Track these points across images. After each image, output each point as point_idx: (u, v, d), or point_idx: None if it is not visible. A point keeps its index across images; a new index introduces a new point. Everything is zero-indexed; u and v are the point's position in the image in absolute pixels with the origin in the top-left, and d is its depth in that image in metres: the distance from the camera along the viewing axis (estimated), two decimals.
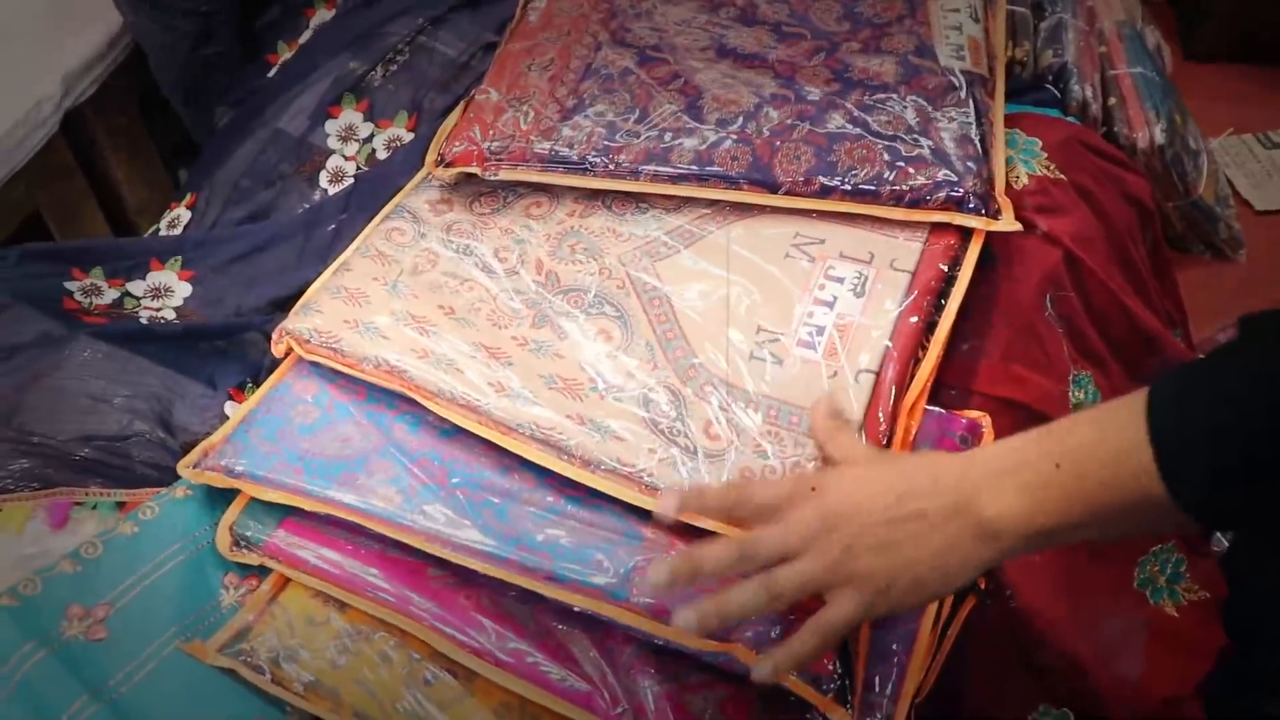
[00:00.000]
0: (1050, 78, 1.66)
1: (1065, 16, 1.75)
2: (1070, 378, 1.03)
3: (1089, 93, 1.69)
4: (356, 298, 0.96)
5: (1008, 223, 0.96)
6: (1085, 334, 1.06)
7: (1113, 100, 1.72)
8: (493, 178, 1.04)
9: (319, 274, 1.05)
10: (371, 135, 1.22)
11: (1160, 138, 1.69)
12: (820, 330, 0.91)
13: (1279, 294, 1.84)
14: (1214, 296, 1.80)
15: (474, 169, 1.04)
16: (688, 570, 0.73)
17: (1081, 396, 1.03)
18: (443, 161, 1.05)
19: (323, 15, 1.35)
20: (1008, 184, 1.02)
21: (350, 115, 1.23)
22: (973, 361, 0.97)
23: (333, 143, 1.22)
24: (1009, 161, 1.07)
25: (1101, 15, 1.83)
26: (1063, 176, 1.11)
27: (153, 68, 1.43)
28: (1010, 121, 1.11)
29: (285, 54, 1.35)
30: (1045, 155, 1.11)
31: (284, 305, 1.08)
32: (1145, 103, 1.73)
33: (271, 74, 1.34)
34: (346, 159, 1.21)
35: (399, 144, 1.21)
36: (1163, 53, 2.03)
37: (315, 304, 0.96)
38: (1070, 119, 1.26)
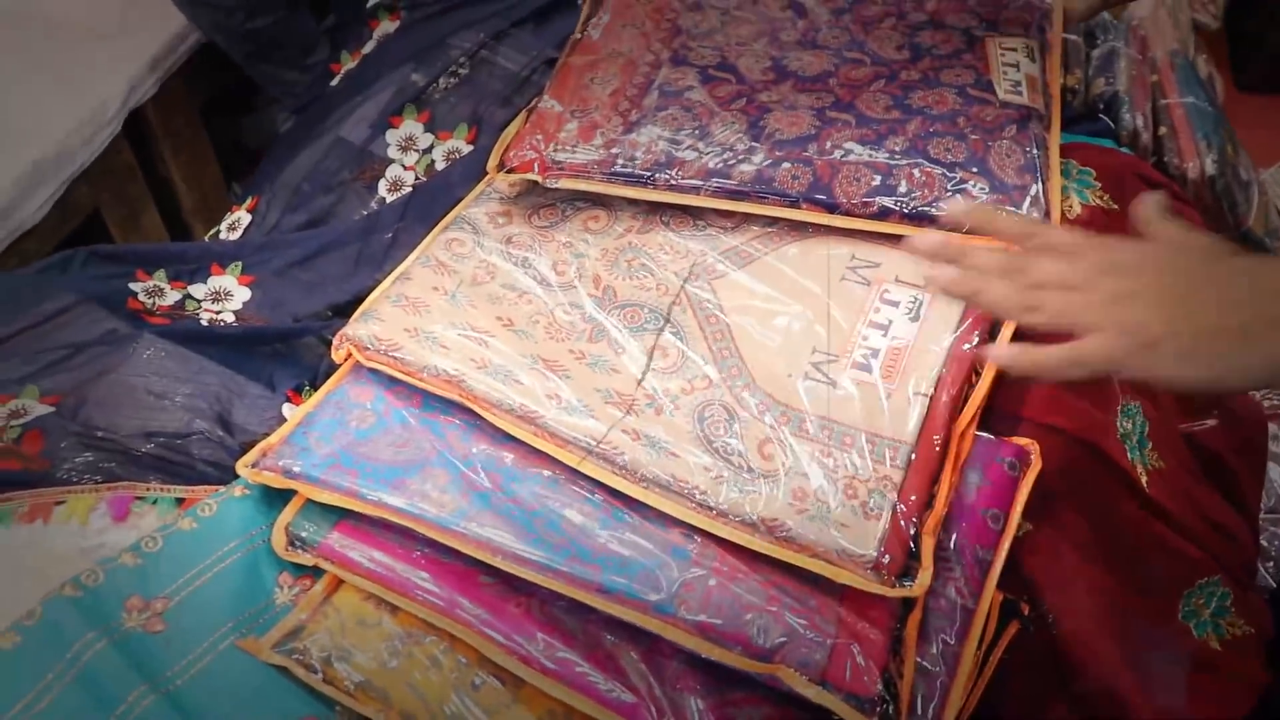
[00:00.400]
0: (1101, 106, 1.66)
1: (1117, 45, 1.75)
2: (1119, 407, 1.03)
3: (1140, 122, 1.69)
4: (417, 306, 0.97)
5: None
6: None
7: (1164, 130, 1.72)
8: (553, 185, 1.05)
9: (375, 281, 1.07)
10: (431, 146, 1.24)
11: (1211, 168, 1.68)
12: (875, 353, 0.91)
13: None
14: None
15: (535, 176, 1.05)
16: (956, 251, 0.75)
17: (1129, 426, 1.03)
18: (504, 168, 1.07)
19: (386, 27, 1.37)
20: (1061, 213, 1.02)
21: (411, 126, 1.25)
22: (1023, 388, 0.97)
23: (393, 152, 1.24)
24: (1063, 191, 1.07)
25: (1154, 44, 1.82)
26: (1115, 207, 1.11)
27: (216, 41, 1.46)
28: (1065, 151, 1.11)
29: (348, 63, 1.38)
30: (1099, 185, 1.12)
31: (341, 311, 1.11)
32: (1196, 133, 1.73)
33: (335, 82, 1.36)
34: (406, 168, 1.23)
35: (458, 155, 1.23)
36: (1214, 83, 2.02)
37: (376, 311, 0.97)
38: (1124, 149, 1.26)
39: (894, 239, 0.99)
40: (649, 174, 1.03)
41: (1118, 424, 1.02)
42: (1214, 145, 1.71)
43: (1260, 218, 1.78)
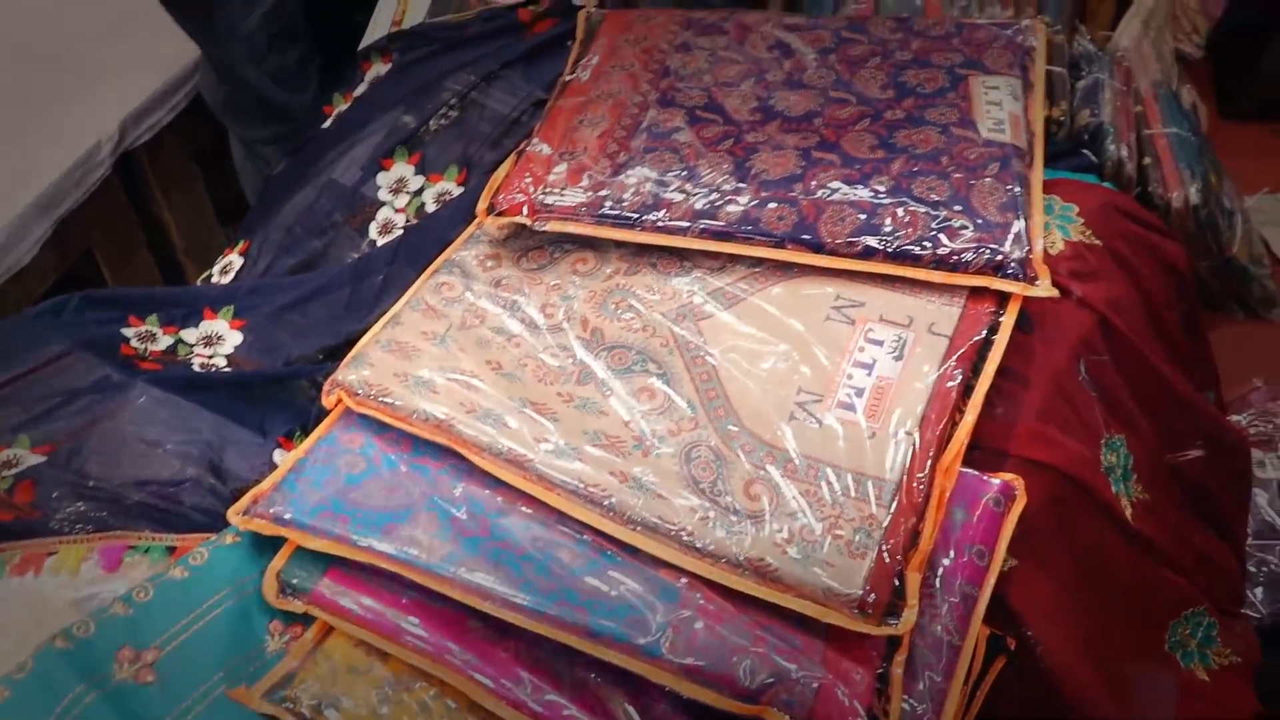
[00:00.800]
0: (1086, 137, 1.67)
1: (1102, 76, 1.76)
2: (1102, 441, 1.04)
3: (1124, 152, 1.70)
4: (406, 351, 0.98)
5: (1045, 288, 0.97)
6: (1118, 398, 1.07)
7: (1148, 160, 1.73)
8: (542, 228, 1.06)
9: (367, 324, 1.07)
10: (422, 188, 1.25)
11: (1195, 198, 1.70)
12: (859, 392, 0.92)
13: None
14: (1248, 355, 1.80)
15: (524, 219, 1.06)
16: None
17: (1114, 460, 1.04)
18: (494, 210, 1.08)
19: (379, 68, 1.39)
20: (1044, 250, 1.03)
21: (402, 168, 1.27)
22: (1007, 424, 0.98)
23: (384, 194, 1.25)
24: (1046, 228, 1.08)
25: (1138, 75, 1.84)
26: (1098, 242, 1.12)
27: (226, 82, 1.49)
28: (1048, 188, 1.12)
29: (340, 105, 1.39)
30: (1082, 221, 1.13)
31: (332, 354, 1.11)
32: (1180, 162, 1.74)
33: (327, 125, 1.37)
34: (396, 211, 1.25)
35: (448, 198, 1.24)
36: (1198, 112, 2.04)
37: (366, 356, 0.98)
38: (1107, 185, 1.27)
39: (879, 278, 1.01)
40: (636, 216, 1.04)
41: (1102, 457, 1.03)
42: (1197, 174, 1.73)
43: (1244, 246, 1.79)
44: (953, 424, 0.92)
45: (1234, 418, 1.67)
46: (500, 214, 1.07)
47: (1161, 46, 1.94)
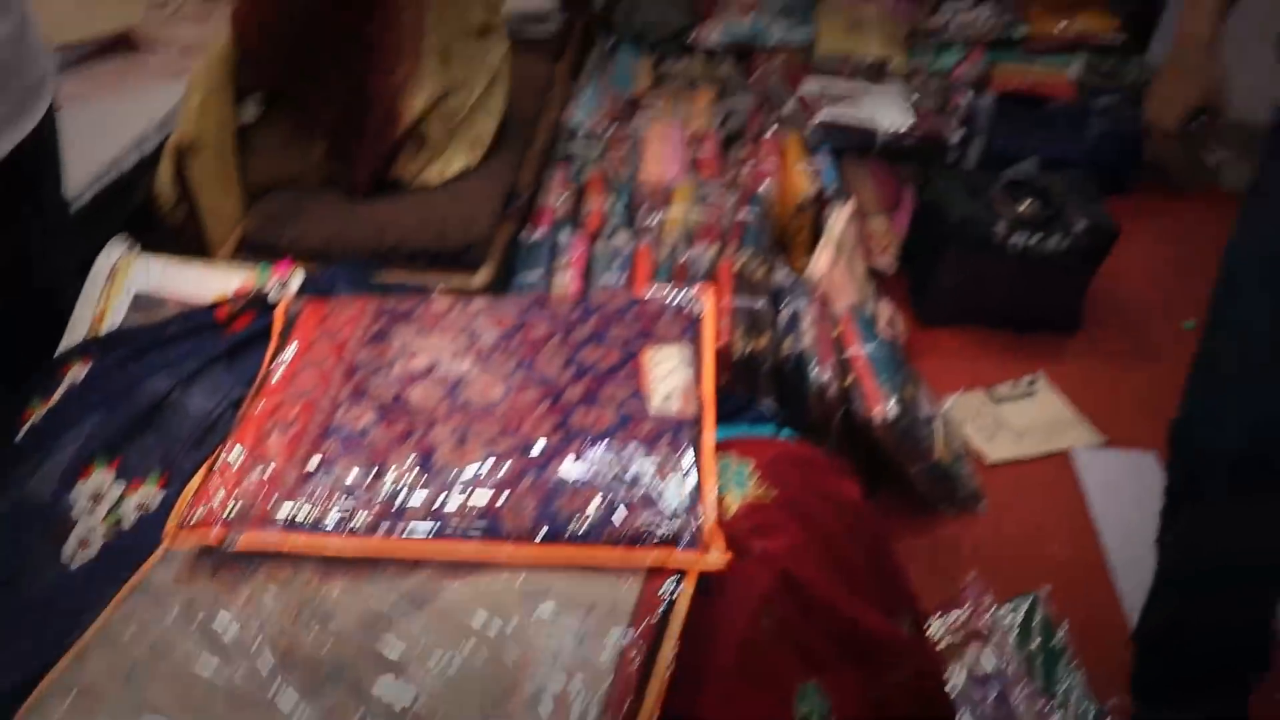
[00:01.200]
0: (790, 365, 1.81)
1: (800, 305, 1.93)
2: (796, 691, 1.10)
3: (827, 375, 1.85)
4: (87, 695, 0.97)
5: (717, 558, 1.04)
6: (807, 644, 1.14)
7: (850, 379, 1.89)
8: (229, 549, 1.07)
9: (60, 656, 1.05)
10: (122, 497, 1.24)
11: (894, 411, 1.85)
12: (544, 686, 0.95)
13: (1018, 540, 2.00)
14: (962, 551, 1.95)
15: (211, 541, 1.07)
16: None
17: (808, 708, 1.10)
18: (184, 525, 1.09)
19: (77, 372, 1.38)
20: (720, 514, 1.10)
21: (101, 476, 1.25)
22: (695, 689, 1.02)
23: (81, 506, 1.24)
24: (722, 490, 1.16)
25: (835, 300, 2.02)
26: (775, 493, 1.21)
27: None
28: (724, 446, 1.21)
29: (39, 411, 1.37)
30: (757, 477, 1.21)
31: (24, 692, 1.07)
32: (879, 378, 1.90)
33: (21, 435, 1.35)
34: (95, 524, 1.23)
35: (148, 507, 1.23)
36: (896, 323, 2.23)
37: (41, 708, 0.96)
38: (785, 433, 1.37)
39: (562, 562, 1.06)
40: (325, 524, 1.07)
41: (796, 707, 1.09)
42: (896, 389, 1.89)
43: (946, 447, 1.95)
44: (638, 704, 0.97)
45: (953, 613, 1.79)
46: (192, 528, 1.08)
47: (855, 268, 2.13)
